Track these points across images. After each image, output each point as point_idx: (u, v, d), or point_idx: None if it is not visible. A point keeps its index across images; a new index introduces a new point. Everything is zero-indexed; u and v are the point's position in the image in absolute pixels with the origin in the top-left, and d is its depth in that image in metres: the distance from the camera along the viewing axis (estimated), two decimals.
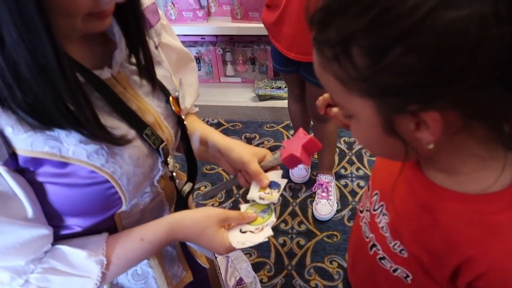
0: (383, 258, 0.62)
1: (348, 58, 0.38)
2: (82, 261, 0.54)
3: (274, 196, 0.64)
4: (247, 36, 2.15)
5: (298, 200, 1.74)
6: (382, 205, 0.62)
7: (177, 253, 0.74)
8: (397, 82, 0.37)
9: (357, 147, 1.97)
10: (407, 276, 0.59)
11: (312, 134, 1.41)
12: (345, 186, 1.80)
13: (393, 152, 0.46)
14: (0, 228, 0.47)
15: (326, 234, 1.60)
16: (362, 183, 1.81)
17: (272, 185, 0.66)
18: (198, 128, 0.74)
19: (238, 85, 2.33)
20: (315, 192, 1.73)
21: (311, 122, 1.71)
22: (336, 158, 1.90)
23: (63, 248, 0.54)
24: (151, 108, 0.60)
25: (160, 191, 0.65)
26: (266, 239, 0.59)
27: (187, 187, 0.70)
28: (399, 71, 0.36)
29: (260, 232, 0.60)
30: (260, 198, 0.65)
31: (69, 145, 0.49)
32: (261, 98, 2.20)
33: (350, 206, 1.71)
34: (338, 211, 1.68)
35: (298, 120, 1.75)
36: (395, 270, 0.60)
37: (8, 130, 0.45)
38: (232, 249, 0.60)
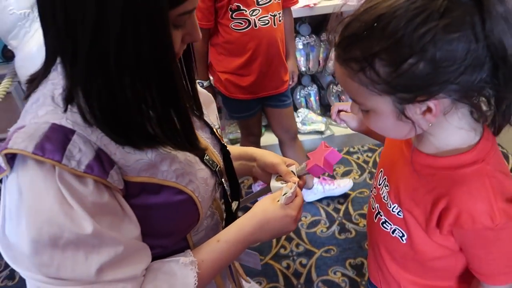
0: (385, 222, 0.77)
1: (373, 69, 0.54)
2: (177, 267, 0.60)
3: (304, 178, 0.78)
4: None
5: None
6: (385, 179, 0.79)
7: (227, 272, 0.83)
8: (410, 83, 0.53)
9: None
10: (403, 235, 0.74)
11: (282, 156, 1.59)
12: (328, 205, 1.97)
13: (402, 133, 0.63)
14: (116, 242, 0.52)
15: (323, 249, 1.74)
16: (341, 200, 1.99)
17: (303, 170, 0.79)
18: (231, 148, 0.84)
19: None
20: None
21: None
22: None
23: (156, 262, 0.61)
24: (202, 140, 0.73)
25: (214, 211, 0.76)
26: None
27: (234, 205, 0.82)
28: (412, 75, 0.52)
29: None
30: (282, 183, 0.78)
31: (163, 170, 0.59)
32: (233, 141, 2.36)
33: (337, 222, 1.87)
34: (327, 228, 1.84)
35: None
36: (393, 231, 0.76)
37: (121, 162, 0.54)
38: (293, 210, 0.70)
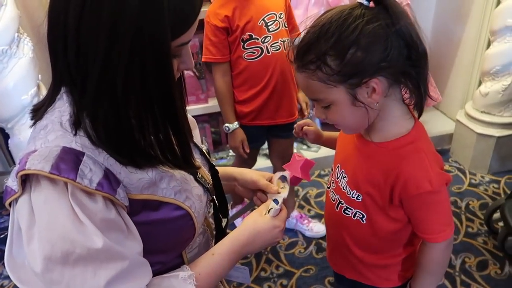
0: (346, 208, 0.91)
1: (326, 65, 0.70)
2: (177, 282, 0.63)
3: (286, 189, 0.83)
4: None
5: (268, 249, 1.91)
6: (342, 171, 0.92)
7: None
8: (355, 69, 0.70)
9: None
10: (363, 216, 0.88)
11: None
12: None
13: (359, 119, 0.77)
14: (123, 257, 0.55)
15: (303, 269, 1.79)
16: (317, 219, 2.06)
17: (282, 178, 0.85)
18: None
19: None
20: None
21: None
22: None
23: (156, 278, 0.63)
24: (195, 159, 0.79)
25: (206, 228, 0.80)
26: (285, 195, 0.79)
27: (223, 222, 0.87)
28: (355, 62, 0.69)
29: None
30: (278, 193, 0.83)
31: (162, 187, 0.63)
32: None
33: (314, 241, 1.93)
34: (305, 248, 1.90)
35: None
36: (355, 215, 0.89)
37: (125, 180, 0.58)
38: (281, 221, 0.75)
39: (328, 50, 0.70)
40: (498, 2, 2.04)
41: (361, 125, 0.80)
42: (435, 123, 2.61)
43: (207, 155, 0.83)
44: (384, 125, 0.80)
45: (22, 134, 1.55)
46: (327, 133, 1.08)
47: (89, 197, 0.54)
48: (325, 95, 0.75)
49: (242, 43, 1.48)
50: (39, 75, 1.58)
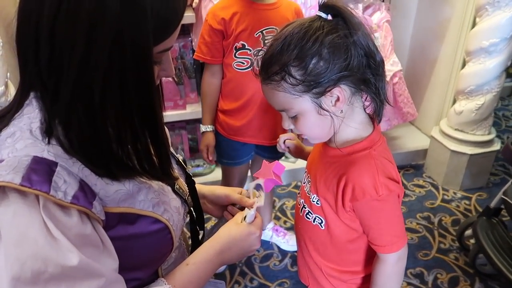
0: (308, 213, 0.92)
1: (290, 75, 0.73)
2: None
3: (262, 197, 0.82)
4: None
5: (243, 260, 1.87)
6: (308, 176, 0.94)
7: None
8: (318, 78, 0.72)
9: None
10: (321, 221, 0.89)
11: None
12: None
13: (326, 128, 0.79)
14: (99, 274, 0.51)
15: (277, 282, 1.76)
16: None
17: (257, 187, 0.84)
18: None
19: None
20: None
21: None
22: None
23: None
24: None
25: (182, 242, 0.77)
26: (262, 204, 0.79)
27: (200, 235, 0.83)
28: (317, 72, 0.72)
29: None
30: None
31: (140, 200, 0.59)
32: None
33: (289, 254, 1.91)
34: (280, 261, 1.87)
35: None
36: (314, 220, 0.91)
37: (101, 193, 0.55)
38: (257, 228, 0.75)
39: (291, 61, 0.72)
40: (474, 24, 2.11)
41: (327, 134, 0.82)
42: (411, 138, 2.65)
43: (184, 165, 0.80)
44: (344, 131, 0.82)
45: None
46: (309, 147, 1.07)
47: (62, 211, 0.50)
48: (291, 105, 0.77)
49: (234, 51, 1.43)
50: (8, 74, 1.49)
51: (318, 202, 0.88)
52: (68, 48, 0.49)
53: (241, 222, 0.75)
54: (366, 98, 0.80)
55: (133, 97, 0.54)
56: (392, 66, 2.28)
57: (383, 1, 2.29)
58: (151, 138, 0.59)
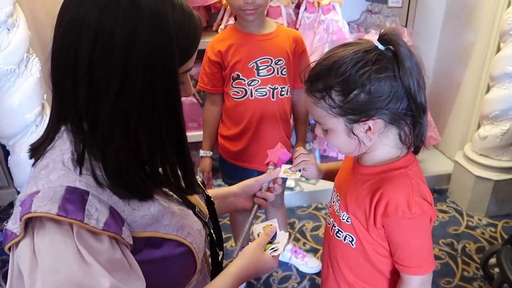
0: (338, 231, 0.94)
1: (330, 97, 0.77)
2: None
3: (297, 174, 1.00)
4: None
5: (262, 281, 1.88)
6: (337, 195, 0.96)
7: None
8: (356, 108, 0.76)
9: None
10: (352, 240, 0.90)
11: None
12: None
13: (351, 147, 0.83)
14: None
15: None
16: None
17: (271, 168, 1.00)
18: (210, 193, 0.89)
19: None
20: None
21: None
22: None
23: None
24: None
25: (204, 264, 0.78)
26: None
27: (219, 256, 0.86)
28: (357, 102, 0.76)
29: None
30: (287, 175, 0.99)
31: (165, 224, 0.62)
32: None
33: (308, 277, 1.90)
34: (298, 283, 1.86)
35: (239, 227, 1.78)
36: (345, 238, 0.91)
37: (129, 218, 0.57)
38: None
39: (334, 85, 0.76)
40: (498, 49, 2.10)
41: (353, 152, 0.85)
42: (434, 162, 2.62)
43: (203, 187, 0.83)
44: (379, 150, 0.84)
45: (22, 152, 1.54)
46: (325, 167, 1.09)
47: (94, 237, 0.53)
48: (324, 121, 0.82)
49: (232, 81, 1.49)
50: (45, 95, 1.59)
51: (348, 220, 0.89)
52: (105, 78, 0.53)
53: (267, 251, 0.78)
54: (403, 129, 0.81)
55: (163, 117, 0.58)
56: None
57: (405, 26, 2.32)
58: (177, 155, 0.63)
